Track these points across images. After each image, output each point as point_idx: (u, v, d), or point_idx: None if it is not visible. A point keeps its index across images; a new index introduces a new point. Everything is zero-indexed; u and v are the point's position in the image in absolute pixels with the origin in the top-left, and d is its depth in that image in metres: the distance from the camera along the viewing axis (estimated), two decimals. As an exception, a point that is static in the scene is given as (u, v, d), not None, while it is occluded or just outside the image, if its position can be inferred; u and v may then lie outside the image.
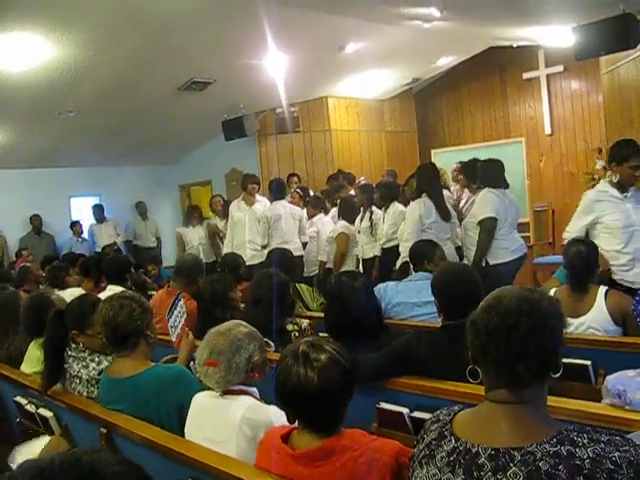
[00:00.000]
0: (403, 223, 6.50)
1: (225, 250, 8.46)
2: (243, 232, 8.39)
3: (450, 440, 1.67)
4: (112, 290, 5.12)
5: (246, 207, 8.44)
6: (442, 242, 6.06)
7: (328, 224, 7.92)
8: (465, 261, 6.29)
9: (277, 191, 8.20)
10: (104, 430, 2.91)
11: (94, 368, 3.31)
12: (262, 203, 8.59)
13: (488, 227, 5.99)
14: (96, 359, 3.35)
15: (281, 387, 2.10)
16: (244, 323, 2.78)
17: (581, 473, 1.44)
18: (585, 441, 1.51)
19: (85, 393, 3.29)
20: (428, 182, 6.38)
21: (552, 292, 3.91)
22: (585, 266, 3.92)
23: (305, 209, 8.52)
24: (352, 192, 8.39)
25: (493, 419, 1.63)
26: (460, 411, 1.76)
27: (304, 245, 8.03)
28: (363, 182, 8.53)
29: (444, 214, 6.27)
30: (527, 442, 1.54)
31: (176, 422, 2.81)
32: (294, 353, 2.11)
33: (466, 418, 1.72)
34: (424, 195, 6.28)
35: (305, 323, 4.17)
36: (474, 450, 1.59)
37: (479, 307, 1.71)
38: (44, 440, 3.39)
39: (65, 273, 6.33)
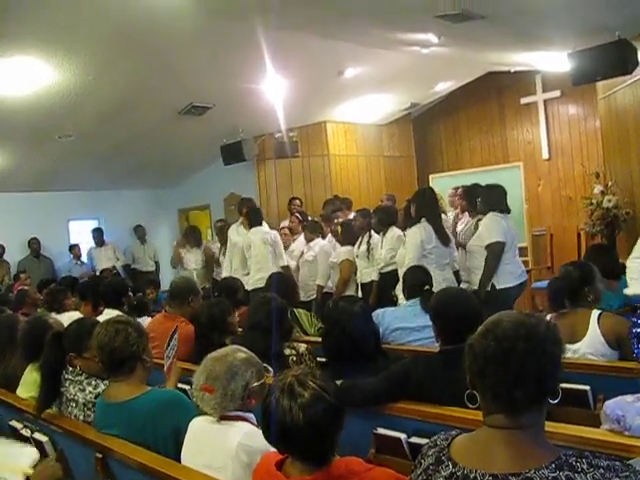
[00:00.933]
0: (402, 248, 6.48)
1: (224, 274, 8.43)
2: (240, 256, 8.35)
3: (448, 465, 1.65)
4: (109, 314, 5.11)
5: (244, 231, 8.38)
6: (442, 267, 6.09)
7: (325, 248, 7.90)
8: (464, 285, 6.30)
9: (253, 218, 8.17)
10: (99, 455, 2.89)
11: (90, 392, 3.29)
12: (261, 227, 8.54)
13: (496, 251, 6.00)
14: (93, 382, 3.33)
15: (267, 420, 2.08)
16: (242, 349, 2.76)
17: None
18: (584, 466, 1.50)
19: (81, 417, 3.27)
20: (428, 207, 6.36)
21: (548, 317, 3.89)
22: (565, 287, 3.87)
23: (303, 234, 8.51)
24: (350, 216, 8.38)
25: (491, 444, 1.62)
26: (458, 436, 1.75)
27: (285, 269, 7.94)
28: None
29: (444, 239, 6.27)
30: (525, 468, 1.52)
31: (172, 446, 2.79)
32: (281, 387, 2.08)
33: (464, 443, 1.71)
34: (423, 220, 6.27)
35: (303, 348, 4.15)
36: (472, 476, 1.58)
37: (477, 332, 1.71)
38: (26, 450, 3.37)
39: (64, 296, 6.31)
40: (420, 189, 6.98)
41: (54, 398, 3.36)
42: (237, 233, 8.51)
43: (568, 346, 3.67)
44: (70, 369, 3.40)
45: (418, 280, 4.88)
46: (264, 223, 8.38)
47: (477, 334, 1.70)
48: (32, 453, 3.30)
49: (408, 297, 4.87)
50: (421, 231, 6.21)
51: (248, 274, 7.97)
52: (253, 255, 7.97)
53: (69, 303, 6.30)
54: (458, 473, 1.61)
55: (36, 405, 3.38)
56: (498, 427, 1.62)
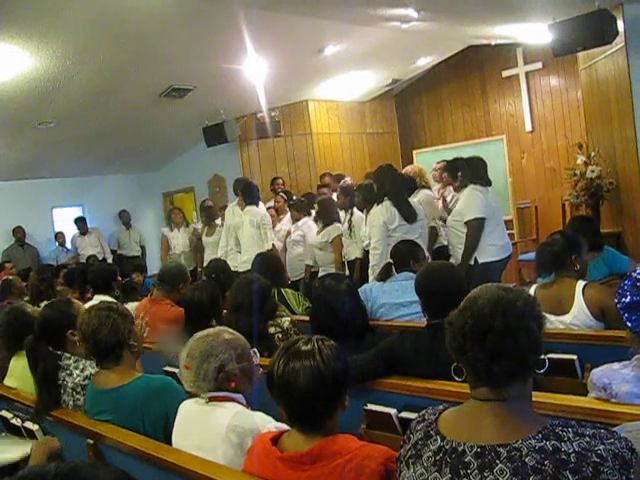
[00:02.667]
0: (366, 229, 6.48)
1: (219, 253, 8.38)
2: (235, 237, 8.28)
3: (436, 439, 1.67)
4: (98, 300, 5.10)
5: (240, 212, 8.29)
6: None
7: (313, 227, 7.85)
8: (452, 260, 6.30)
9: (246, 196, 8.07)
10: (91, 441, 2.89)
11: (78, 375, 3.29)
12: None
13: (476, 227, 6.00)
14: (80, 365, 3.33)
15: (270, 380, 2.12)
16: (230, 330, 2.76)
17: (567, 467, 1.45)
18: (570, 435, 1.52)
19: (71, 402, 3.26)
20: (389, 185, 6.31)
21: (532, 290, 3.90)
22: (551, 252, 3.88)
23: (289, 213, 8.49)
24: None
25: (477, 417, 1.64)
26: (445, 410, 1.76)
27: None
28: (349, 182, 8.48)
29: (409, 216, 6.19)
30: (512, 438, 1.54)
31: (161, 432, 2.80)
32: (287, 348, 2.14)
33: (451, 417, 1.73)
34: (386, 199, 6.23)
35: (287, 323, 4.15)
36: (460, 448, 1.60)
37: (457, 308, 1.72)
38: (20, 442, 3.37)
39: (49, 284, 6.28)
40: (379, 167, 6.87)
41: (57, 403, 3.30)
42: (233, 213, 8.42)
43: (555, 318, 3.70)
44: (58, 353, 3.37)
45: (404, 255, 4.87)
46: (260, 203, 8.30)
47: (456, 311, 1.72)
48: (24, 447, 3.31)
49: (398, 271, 4.86)
50: (382, 212, 6.17)
51: (239, 252, 7.94)
52: (242, 237, 7.95)
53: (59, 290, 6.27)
54: (446, 446, 1.63)
55: (35, 408, 3.33)
56: (483, 400, 1.64)
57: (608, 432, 1.54)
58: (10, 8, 5.81)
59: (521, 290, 1.75)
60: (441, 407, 1.79)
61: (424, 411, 1.82)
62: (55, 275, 6.89)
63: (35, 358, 3.31)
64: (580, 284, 3.70)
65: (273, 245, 7.83)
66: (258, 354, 2.75)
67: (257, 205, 8.10)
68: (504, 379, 1.61)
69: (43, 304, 5.13)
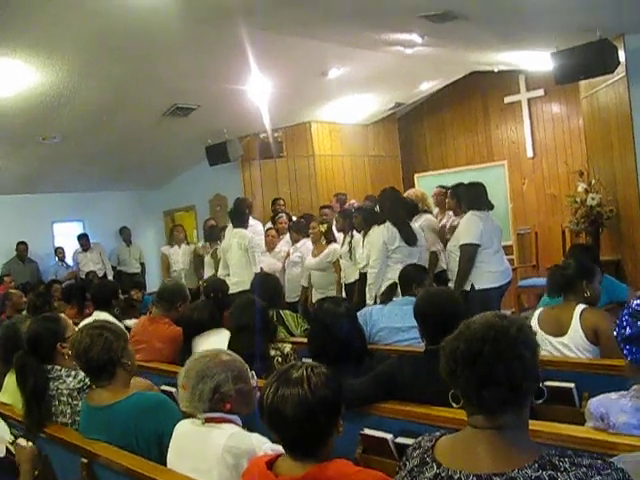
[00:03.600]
0: (365, 249, 6.48)
1: (219, 274, 8.36)
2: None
3: (432, 466, 1.66)
4: (97, 316, 5.10)
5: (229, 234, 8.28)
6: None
7: (311, 249, 7.82)
8: (451, 284, 6.30)
9: (233, 219, 8.01)
10: (85, 460, 2.87)
11: (71, 381, 3.31)
12: (253, 228, 8.47)
13: (468, 252, 6.00)
14: (72, 373, 3.35)
15: (261, 406, 2.10)
16: (227, 352, 2.76)
17: None
18: (567, 465, 1.51)
19: (69, 410, 3.26)
20: (390, 208, 6.38)
21: (537, 312, 3.92)
22: (562, 274, 3.88)
23: (287, 234, 8.48)
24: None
25: (473, 445, 1.63)
26: (442, 437, 1.75)
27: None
28: (354, 204, 8.49)
29: (409, 239, 6.23)
30: (508, 468, 1.53)
31: (155, 451, 2.77)
32: (280, 375, 2.11)
33: (448, 444, 1.72)
34: (387, 222, 6.28)
35: (288, 348, 4.14)
36: (456, 477, 1.59)
37: (452, 334, 1.72)
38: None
39: (45, 300, 6.26)
40: (383, 190, 6.90)
41: (47, 418, 3.28)
42: (227, 234, 8.44)
43: (554, 339, 3.71)
44: (48, 367, 3.37)
45: (410, 278, 4.88)
46: (259, 223, 8.24)
47: (450, 336, 1.72)
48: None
49: (403, 295, 4.87)
50: (384, 232, 6.23)
51: (228, 275, 7.88)
52: (230, 259, 7.90)
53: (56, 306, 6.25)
54: (442, 474, 1.62)
55: (26, 425, 3.30)
56: (479, 427, 1.63)
57: (605, 463, 1.53)
58: (16, 24, 5.86)
59: (516, 318, 1.75)
60: (438, 434, 1.78)
61: (420, 438, 1.81)
62: (47, 290, 6.86)
63: (24, 373, 3.31)
64: (580, 307, 3.71)
65: (261, 269, 7.64)
66: (256, 376, 2.74)
67: (245, 227, 8.01)
68: (496, 406, 1.60)
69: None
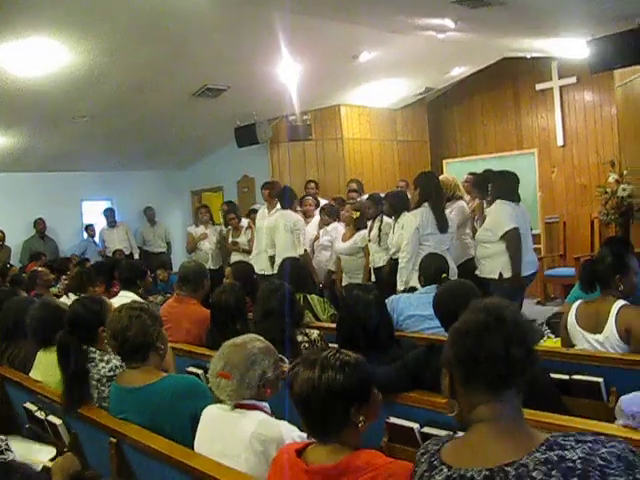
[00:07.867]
0: (396, 235, 6.48)
1: (251, 256, 8.44)
2: (262, 240, 8.28)
3: (442, 469, 1.67)
4: (124, 296, 5.14)
5: (266, 214, 8.32)
6: (442, 253, 6.02)
7: (342, 233, 7.77)
8: (478, 272, 6.26)
9: (281, 201, 8.04)
10: (114, 440, 2.90)
11: (104, 367, 3.32)
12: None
13: (514, 237, 5.93)
14: (105, 358, 3.36)
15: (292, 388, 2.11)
16: (260, 338, 2.77)
17: (574, 474, 1.46)
18: (573, 443, 1.53)
19: (95, 394, 3.28)
20: (432, 191, 6.33)
21: (575, 305, 3.83)
22: (594, 270, 3.79)
23: (315, 217, 8.48)
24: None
25: (481, 441, 1.65)
26: (448, 440, 1.77)
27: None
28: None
29: (442, 225, 6.21)
30: (518, 455, 1.55)
31: (189, 433, 2.78)
32: (308, 359, 2.13)
33: (455, 446, 1.73)
34: (426, 204, 6.25)
35: (315, 334, 4.16)
36: (468, 475, 1.60)
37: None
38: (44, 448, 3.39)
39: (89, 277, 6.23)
40: (424, 173, 6.84)
41: (87, 398, 3.29)
42: (261, 217, 8.44)
43: (590, 335, 3.65)
44: (86, 348, 3.39)
45: (435, 267, 4.87)
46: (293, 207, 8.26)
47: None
48: (50, 450, 3.33)
49: (424, 284, 4.86)
50: (417, 217, 6.20)
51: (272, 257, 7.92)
52: (277, 239, 7.93)
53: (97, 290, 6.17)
54: (454, 475, 1.63)
55: (65, 404, 3.30)
56: (482, 420, 1.66)
57: (607, 437, 1.57)
58: (52, 3, 5.90)
59: (512, 311, 1.78)
60: (444, 437, 1.81)
61: (427, 442, 1.83)
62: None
63: (67, 353, 3.29)
64: (618, 303, 3.59)
65: (305, 250, 7.74)
66: (287, 361, 2.76)
67: (292, 209, 8.04)
68: (495, 380, 1.64)
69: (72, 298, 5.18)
